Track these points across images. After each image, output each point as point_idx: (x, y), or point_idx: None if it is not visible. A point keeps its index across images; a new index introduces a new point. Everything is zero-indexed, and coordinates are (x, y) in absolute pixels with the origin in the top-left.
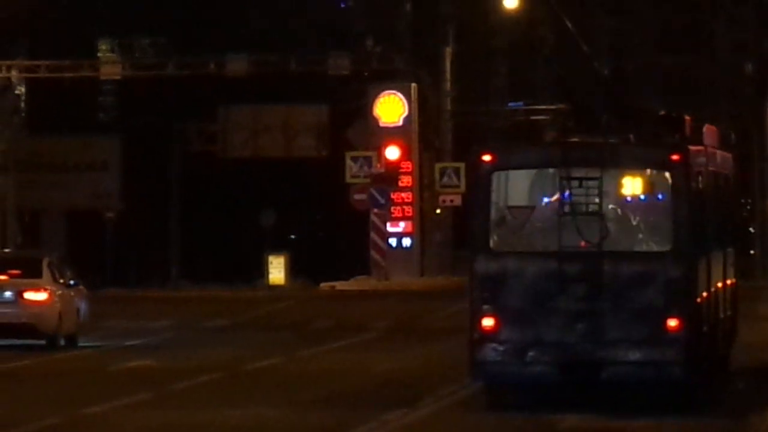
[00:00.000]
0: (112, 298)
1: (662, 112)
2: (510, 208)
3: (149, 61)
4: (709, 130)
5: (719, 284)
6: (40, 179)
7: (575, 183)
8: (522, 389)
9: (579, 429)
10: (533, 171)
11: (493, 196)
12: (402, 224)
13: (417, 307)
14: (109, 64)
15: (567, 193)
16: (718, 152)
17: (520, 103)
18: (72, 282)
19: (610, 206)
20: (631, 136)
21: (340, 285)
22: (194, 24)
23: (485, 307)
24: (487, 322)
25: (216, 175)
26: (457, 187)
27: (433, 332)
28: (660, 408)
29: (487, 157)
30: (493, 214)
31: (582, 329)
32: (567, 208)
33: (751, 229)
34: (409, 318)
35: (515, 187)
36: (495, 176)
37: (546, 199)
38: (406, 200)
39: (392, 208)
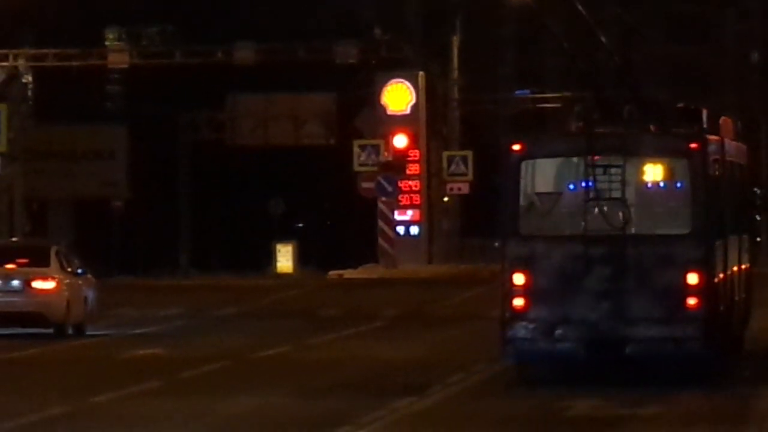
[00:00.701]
0: (119, 286)
1: (681, 105)
2: (538, 194)
3: (157, 49)
4: (725, 122)
5: (734, 268)
6: (47, 168)
7: (599, 171)
8: (550, 365)
9: (586, 417)
10: (560, 159)
11: (522, 184)
12: (410, 212)
13: (425, 295)
14: (117, 52)
15: (592, 180)
16: (734, 143)
17: (527, 91)
18: (80, 270)
19: (633, 192)
20: (652, 126)
21: (348, 273)
22: (202, 12)
23: (515, 287)
24: (518, 302)
25: (224, 163)
26: (465, 175)
27: (441, 320)
28: (675, 388)
29: (516, 147)
30: (522, 201)
31: (607, 308)
32: (592, 194)
33: (757, 217)
34: (416, 306)
35: (543, 174)
36: (524, 165)
37: (572, 186)
38: (413, 188)
39: (400, 196)
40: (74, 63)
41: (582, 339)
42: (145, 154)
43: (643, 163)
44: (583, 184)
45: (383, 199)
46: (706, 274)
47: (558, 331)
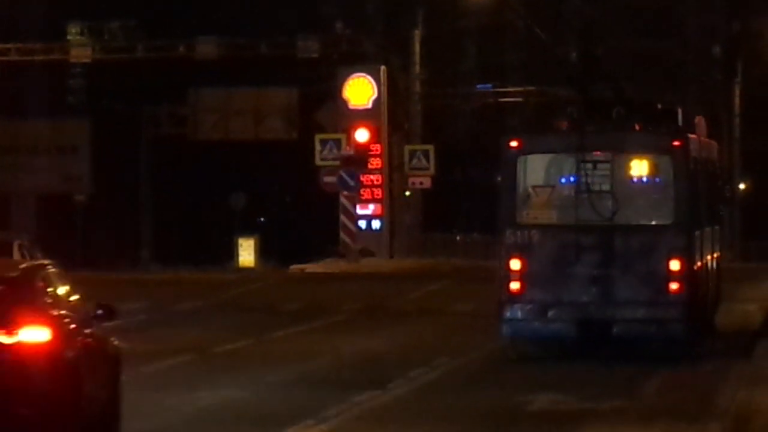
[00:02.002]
0: (81, 280)
1: (659, 105)
2: (534, 187)
3: (119, 44)
4: (699, 121)
5: (709, 256)
6: (9, 162)
7: (590, 165)
8: (543, 343)
9: (547, 411)
10: (553, 155)
11: (519, 177)
12: (371, 206)
13: (387, 290)
14: (79, 47)
15: (583, 174)
16: (706, 140)
17: (489, 85)
18: None
19: (620, 186)
20: (637, 125)
21: (310, 267)
22: (164, 7)
23: (512, 272)
24: (514, 285)
25: (186, 157)
26: (427, 169)
27: (404, 314)
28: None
29: (514, 144)
30: (519, 193)
31: (596, 291)
32: (583, 187)
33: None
34: (379, 300)
35: (538, 169)
36: (520, 160)
37: (564, 180)
38: (375, 182)
39: (362, 190)
40: (36, 57)
41: (573, 320)
42: (107, 148)
43: (629, 159)
44: (575, 178)
45: (345, 193)
46: (687, 261)
47: (551, 312)
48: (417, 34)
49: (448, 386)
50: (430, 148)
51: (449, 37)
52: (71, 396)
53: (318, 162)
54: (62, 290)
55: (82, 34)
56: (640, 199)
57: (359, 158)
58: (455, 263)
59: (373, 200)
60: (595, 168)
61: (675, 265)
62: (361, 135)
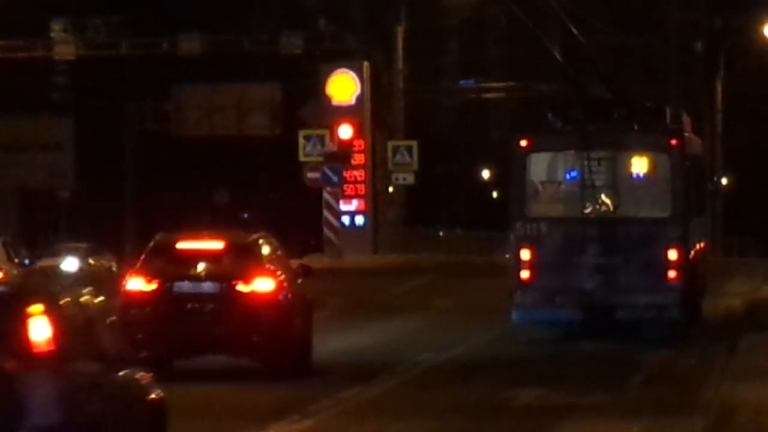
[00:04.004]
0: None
1: (648, 104)
2: (542, 182)
3: (102, 41)
4: (685, 119)
5: (698, 246)
6: None
7: (594, 162)
8: (551, 326)
9: (532, 406)
10: (560, 153)
11: (528, 173)
12: (355, 202)
13: (370, 285)
14: (63, 44)
15: (587, 170)
16: (693, 137)
17: (471, 81)
18: (27, 261)
19: (621, 181)
20: (635, 125)
21: (293, 263)
22: (147, 4)
23: (522, 262)
24: (524, 273)
25: (169, 154)
26: (410, 165)
27: (387, 310)
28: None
29: (523, 142)
30: (528, 188)
31: (599, 279)
32: (587, 182)
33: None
34: (362, 296)
35: (546, 166)
36: (530, 157)
37: (570, 175)
38: (358, 178)
39: (345, 186)
40: (20, 54)
41: (578, 305)
42: (91, 144)
43: (630, 157)
44: (580, 174)
45: (328, 189)
46: (684, 250)
47: (558, 299)
48: (400, 30)
49: (433, 381)
50: (414, 144)
51: (432, 33)
52: (286, 328)
53: (301, 158)
54: (278, 254)
55: (65, 30)
56: (640, 193)
57: (342, 154)
58: (438, 259)
59: (357, 196)
60: (598, 165)
61: (673, 254)
62: (345, 131)
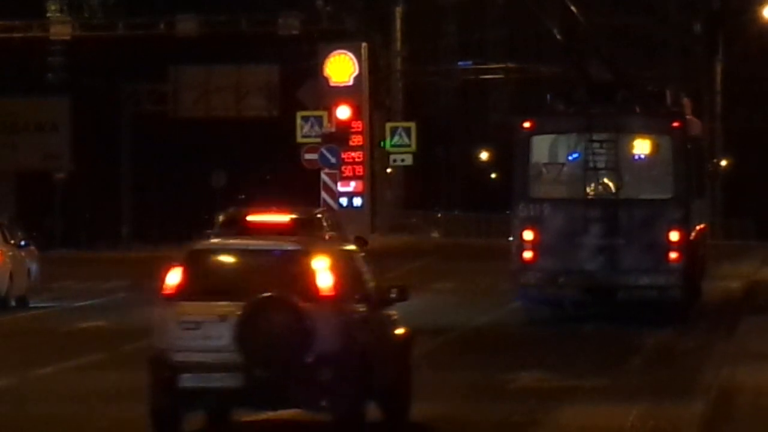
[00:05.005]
0: (62, 259)
1: (649, 87)
2: (545, 164)
3: (99, 21)
4: (686, 101)
5: (698, 227)
6: None
7: (596, 144)
8: (554, 307)
9: (530, 389)
10: (563, 135)
11: (532, 155)
12: (353, 183)
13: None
14: (59, 24)
15: (590, 152)
16: (694, 119)
17: (470, 62)
18: (23, 243)
19: (624, 163)
20: (637, 107)
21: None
22: None
23: (526, 242)
24: (527, 254)
25: (166, 135)
26: (408, 146)
27: None
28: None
29: (527, 125)
30: (532, 169)
31: (602, 260)
32: (590, 164)
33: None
34: None
35: (549, 147)
36: (533, 139)
37: (573, 157)
38: (356, 159)
39: (343, 167)
40: (16, 35)
41: (581, 286)
42: (87, 126)
43: (632, 139)
44: (582, 155)
45: (326, 170)
46: (685, 232)
47: (561, 279)
48: (398, 11)
49: (430, 364)
50: (412, 125)
51: (430, 14)
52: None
53: (299, 139)
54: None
55: (61, 11)
56: (642, 175)
57: (341, 135)
58: (436, 240)
59: (355, 177)
60: (601, 147)
61: (674, 236)
62: (343, 112)
